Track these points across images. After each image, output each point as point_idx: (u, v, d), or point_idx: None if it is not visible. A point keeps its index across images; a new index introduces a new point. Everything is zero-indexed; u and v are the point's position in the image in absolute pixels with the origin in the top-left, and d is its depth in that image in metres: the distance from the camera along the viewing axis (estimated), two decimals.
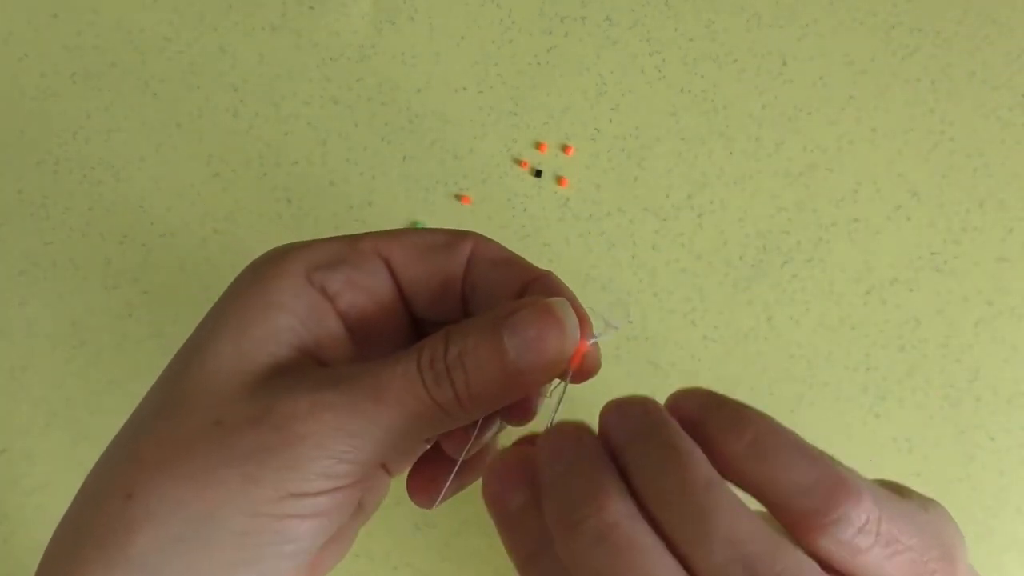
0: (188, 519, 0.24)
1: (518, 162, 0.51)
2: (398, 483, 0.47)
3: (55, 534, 0.26)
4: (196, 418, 0.25)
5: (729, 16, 0.53)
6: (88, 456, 0.47)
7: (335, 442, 0.24)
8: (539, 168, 0.51)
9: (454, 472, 0.29)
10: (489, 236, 0.29)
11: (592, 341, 0.27)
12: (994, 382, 0.49)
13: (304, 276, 0.26)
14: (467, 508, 0.47)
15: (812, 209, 0.51)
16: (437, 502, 0.29)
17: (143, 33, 0.52)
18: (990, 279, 0.50)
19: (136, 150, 0.50)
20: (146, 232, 0.50)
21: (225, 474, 0.24)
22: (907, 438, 0.49)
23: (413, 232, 0.28)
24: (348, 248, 0.27)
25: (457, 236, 0.28)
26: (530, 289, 0.28)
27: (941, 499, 0.50)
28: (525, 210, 0.50)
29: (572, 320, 0.25)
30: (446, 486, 0.29)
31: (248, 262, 0.28)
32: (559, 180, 0.51)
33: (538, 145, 0.51)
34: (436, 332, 0.26)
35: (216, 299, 0.28)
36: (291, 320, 0.26)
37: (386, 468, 0.30)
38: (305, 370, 0.26)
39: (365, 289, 0.27)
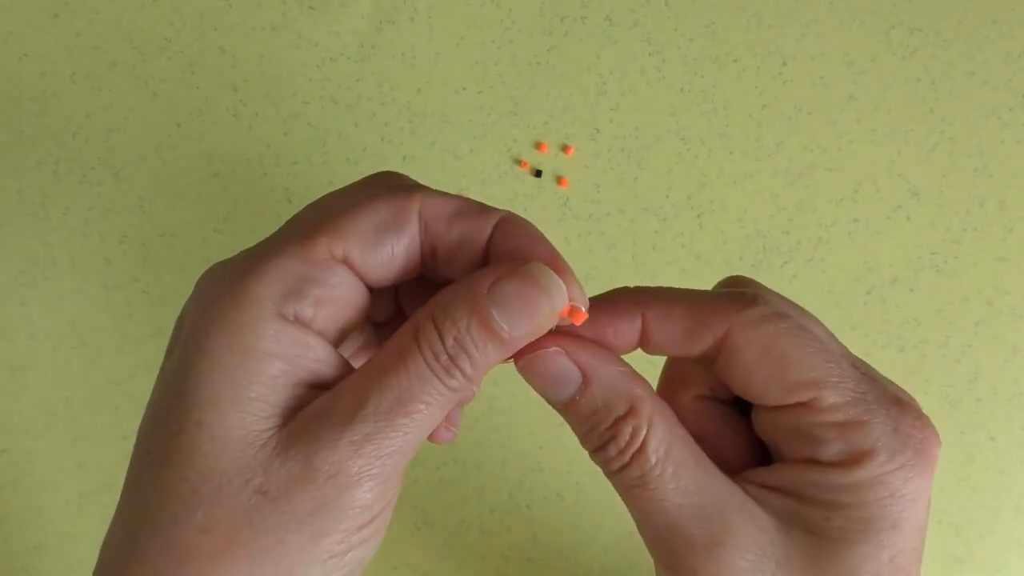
0: None
1: (518, 162, 0.51)
2: None
3: None
4: (235, 496, 0.24)
5: (729, 16, 0.53)
6: (88, 456, 0.47)
7: (384, 467, 0.25)
8: (539, 168, 0.51)
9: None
10: None
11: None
12: (994, 382, 0.49)
13: (277, 314, 0.25)
14: (466, 508, 0.47)
15: (812, 209, 0.51)
16: (455, 435, 0.30)
17: (143, 33, 0.52)
18: (990, 279, 0.50)
19: (136, 150, 0.50)
20: (146, 232, 0.50)
21: (294, 539, 0.24)
22: None
23: (358, 213, 0.27)
24: (306, 264, 0.26)
25: (402, 203, 0.27)
26: (495, 239, 0.27)
27: (941, 499, 0.50)
28: (525, 210, 0.50)
29: (557, 283, 0.26)
30: (458, 419, 0.30)
31: None
32: (559, 180, 0.51)
33: (538, 145, 0.51)
34: (418, 315, 0.25)
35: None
36: (281, 364, 0.25)
37: None
38: (315, 403, 0.25)
39: (334, 301, 0.26)
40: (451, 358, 0.25)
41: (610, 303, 0.28)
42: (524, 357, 0.28)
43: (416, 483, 0.47)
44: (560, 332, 0.28)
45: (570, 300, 0.27)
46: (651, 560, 0.29)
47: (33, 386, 0.48)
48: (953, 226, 0.51)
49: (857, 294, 0.50)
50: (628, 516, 0.28)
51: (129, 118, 0.51)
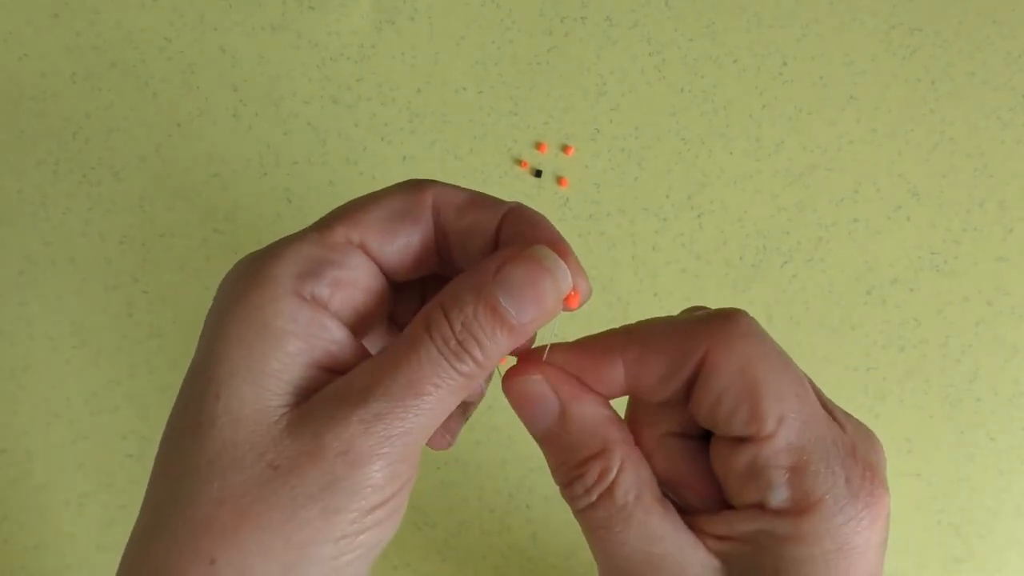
0: (282, 567, 0.24)
1: (518, 162, 0.51)
2: None
3: None
4: (248, 469, 0.24)
5: (729, 16, 0.53)
6: (88, 456, 0.47)
7: (394, 447, 0.25)
8: (539, 168, 0.51)
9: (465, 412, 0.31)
10: None
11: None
12: (994, 382, 0.49)
13: (294, 293, 0.26)
14: (467, 508, 0.47)
15: (812, 209, 0.51)
16: (455, 443, 0.30)
17: (143, 33, 0.52)
18: (990, 279, 0.50)
19: (136, 150, 0.50)
20: (146, 232, 0.50)
21: (305, 515, 0.24)
22: (907, 438, 0.49)
23: (374, 204, 0.28)
24: (323, 248, 0.27)
25: (415, 195, 0.28)
26: (504, 227, 0.28)
27: (941, 499, 0.50)
28: None
29: (561, 266, 0.26)
30: (460, 427, 0.31)
31: None
32: (559, 180, 0.51)
33: (538, 145, 0.51)
34: (429, 304, 0.26)
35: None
36: (297, 343, 0.26)
37: None
38: (329, 386, 0.26)
39: (351, 284, 0.27)
40: (460, 343, 0.25)
41: (588, 346, 0.28)
42: (511, 380, 0.28)
43: (416, 483, 0.47)
44: (550, 366, 0.28)
45: (575, 284, 0.27)
46: None
47: (33, 386, 0.48)
48: (953, 226, 0.51)
49: (857, 294, 0.50)
50: None
51: (129, 118, 0.51)
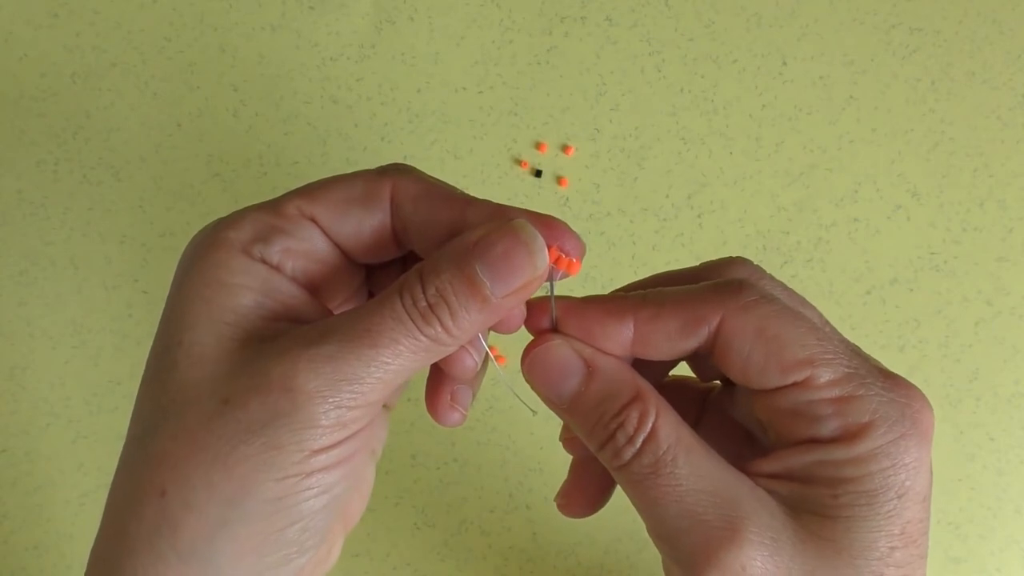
0: (224, 501, 0.24)
1: (518, 162, 0.51)
2: (398, 483, 0.47)
3: (95, 548, 0.26)
4: (203, 404, 0.25)
5: (729, 16, 0.53)
6: (88, 456, 0.47)
7: (340, 392, 0.25)
8: (539, 168, 0.51)
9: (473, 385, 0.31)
10: None
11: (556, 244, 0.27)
12: (994, 382, 0.49)
13: (243, 254, 0.27)
14: (466, 508, 0.47)
15: (812, 209, 0.51)
16: (467, 417, 0.31)
17: (143, 33, 0.52)
18: (990, 279, 0.50)
19: (136, 150, 0.50)
20: (146, 232, 0.50)
21: (246, 449, 0.24)
22: None
23: (332, 185, 0.29)
24: (275, 216, 0.27)
25: (374, 182, 0.29)
26: (470, 214, 0.28)
27: (940, 499, 0.50)
28: None
29: (538, 241, 0.26)
30: (471, 400, 0.31)
31: None
32: (559, 180, 0.51)
33: (538, 145, 0.51)
34: (410, 270, 0.26)
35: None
36: (253, 296, 0.26)
37: (385, 405, 0.31)
38: (289, 332, 0.26)
39: (304, 253, 0.28)
40: (430, 306, 0.25)
41: (598, 305, 0.28)
42: (530, 353, 0.28)
43: (416, 483, 0.47)
44: (558, 334, 0.28)
45: (567, 252, 0.27)
46: (650, 561, 0.29)
47: (33, 386, 0.48)
48: (953, 226, 0.51)
49: (857, 294, 0.50)
50: (627, 516, 0.28)
51: (129, 118, 0.51)
